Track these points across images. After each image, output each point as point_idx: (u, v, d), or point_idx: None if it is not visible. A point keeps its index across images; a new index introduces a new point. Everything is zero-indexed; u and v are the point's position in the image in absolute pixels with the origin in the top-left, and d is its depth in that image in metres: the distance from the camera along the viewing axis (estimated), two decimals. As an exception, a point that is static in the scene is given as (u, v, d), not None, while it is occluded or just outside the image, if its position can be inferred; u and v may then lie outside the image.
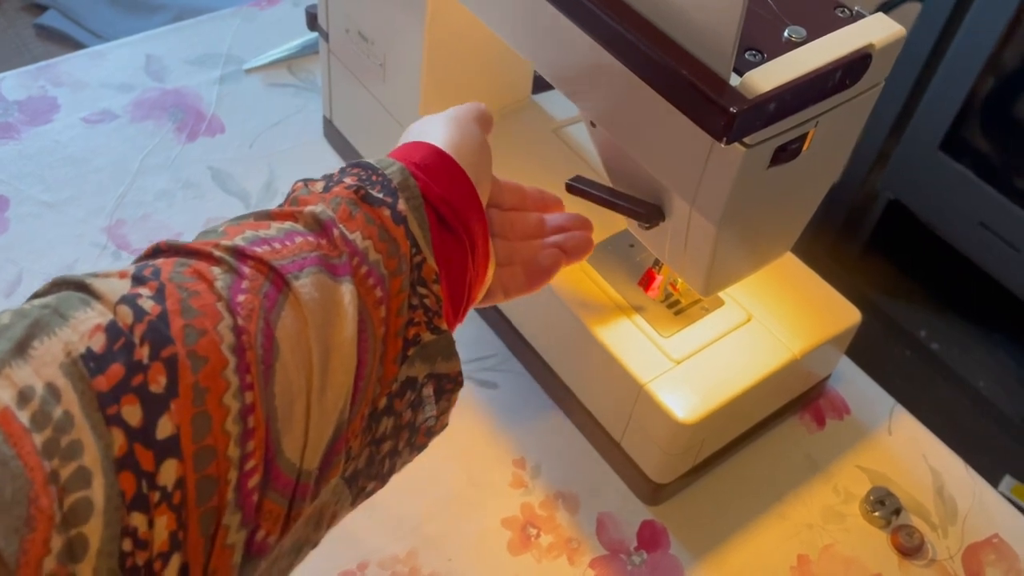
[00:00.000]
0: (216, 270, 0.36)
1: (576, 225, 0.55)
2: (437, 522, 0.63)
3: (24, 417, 0.29)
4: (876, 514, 0.65)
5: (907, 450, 0.70)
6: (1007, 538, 0.66)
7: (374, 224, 0.41)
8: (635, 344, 0.61)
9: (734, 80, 0.43)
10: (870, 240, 1.67)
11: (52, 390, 0.30)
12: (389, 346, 0.41)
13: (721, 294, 0.65)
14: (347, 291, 0.39)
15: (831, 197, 0.57)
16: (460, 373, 0.45)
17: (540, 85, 0.77)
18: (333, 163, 0.85)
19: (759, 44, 0.45)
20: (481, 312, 0.74)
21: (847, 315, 0.66)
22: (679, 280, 0.63)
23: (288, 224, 0.40)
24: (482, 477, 0.66)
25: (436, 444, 0.68)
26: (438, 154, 0.46)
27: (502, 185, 0.54)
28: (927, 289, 1.68)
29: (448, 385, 0.45)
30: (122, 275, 0.35)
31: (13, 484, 0.28)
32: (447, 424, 0.46)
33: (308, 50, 0.93)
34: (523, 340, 0.70)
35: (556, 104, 0.77)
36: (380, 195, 0.42)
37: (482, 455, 0.67)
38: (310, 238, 0.39)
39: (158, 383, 0.32)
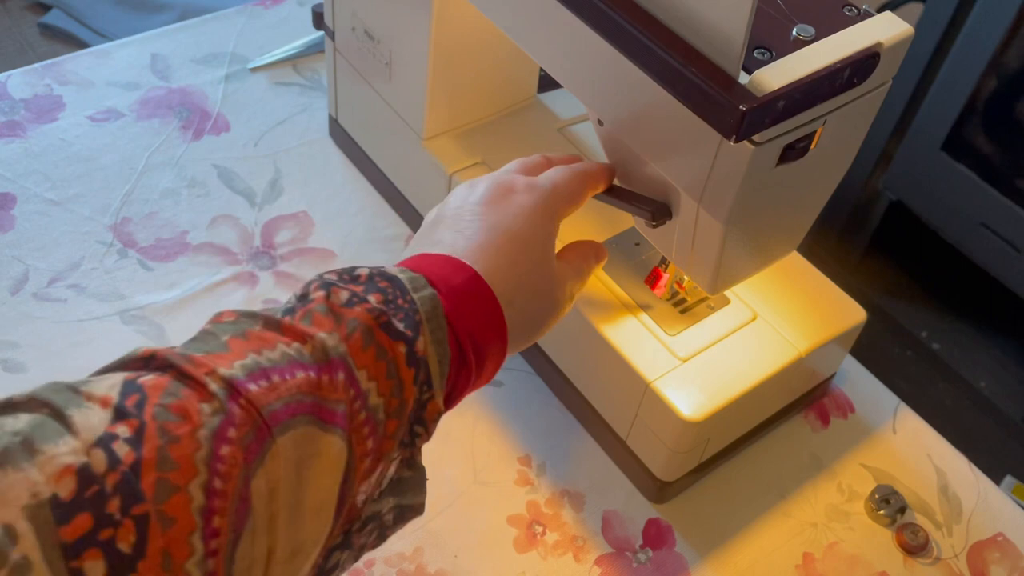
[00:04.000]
0: (205, 409, 0.34)
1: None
2: (443, 519, 0.63)
3: None
4: (881, 512, 0.66)
5: (911, 449, 0.70)
6: (1012, 537, 0.66)
7: (385, 359, 0.39)
8: (641, 342, 0.61)
9: (743, 78, 0.44)
10: (872, 241, 1.68)
11: (10, 532, 0.29)
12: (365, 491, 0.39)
13: (727, 292, 0.65)
14: (336, 446, 0.37)
15: (833, 198, 0.57)
16: (423, 504, 0.43)
17: (546, 84, 0.77)
18: (338, 162, 0.85)
19: (768, 42, 0.45)
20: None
21: (852, 314, 0.66)
22: (685, 278, 0.64)
23: (295, 348, 0.37)
24: (488, 475, 0.66)
25: (441, 442, 0.69)
26: (477, 284, 0.44)
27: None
28: (929, 290, 1.69)
29: (409, 514, 0.43)
30: (104, 403, 0.33)
31: None
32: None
33: (313, 49, 0.93)
34: (529, 338, 0.70)
35: (562, 103, 0.77)
36: (402, 326, 0.40)
37: (488, 453, 0.67)
38: (311, 373, 0.37)
39: (127, 542, 0.30)
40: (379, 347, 0.39)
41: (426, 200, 0.76)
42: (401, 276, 0.42)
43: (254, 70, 0.92)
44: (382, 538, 0.43)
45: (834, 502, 0.67)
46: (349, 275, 0.42)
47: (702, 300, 0.64)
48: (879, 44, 0.46)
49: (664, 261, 0.62)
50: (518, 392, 0.70)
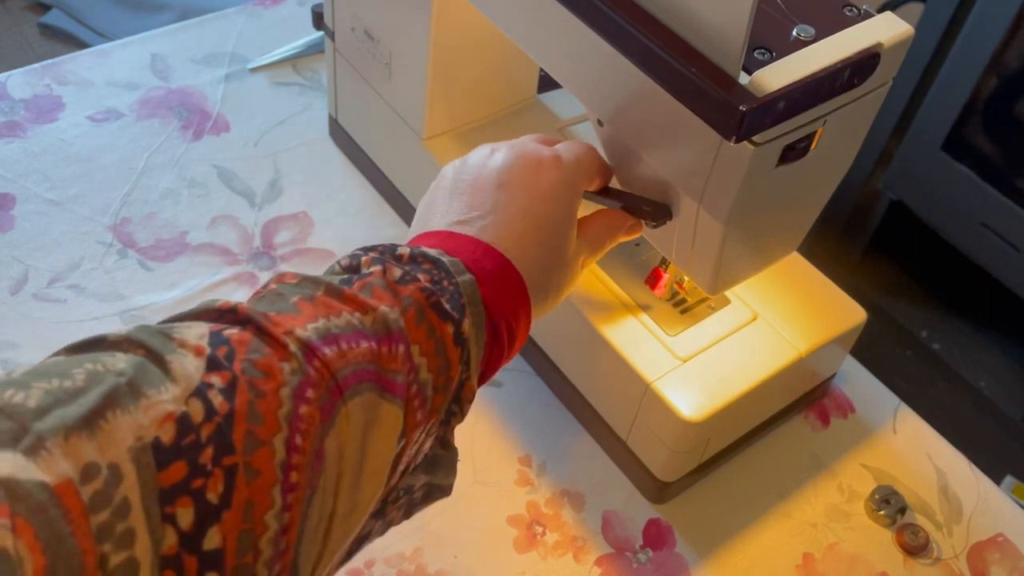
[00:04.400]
0: (286, 368, 0.35)
1: None
2: (443, 520, 0.63)
3: (85, 494, 0.28)
4: (881, 512, 0.66)
5: (912, 449, 0.70)
6: (1012, 537, 0.66)
7: (434, 337, 0.40)
8: (641, 342, 0.61)
9: (743, 79, 0.44)
10: (872, 241, 1.68)
11: (115, 472, 0.29)
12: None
13: (727, 293, 0.65)
14: (393, 414, 0.38)
15: (833, 197, 0.57)
16: (452, 486, 0.45)
17: (546, 84, 0.77)
18: (338, 162, 0.85)
19: (768, 43, 0.45)
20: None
21: (852, 314, 0.66)
22: (685, 279, 0.64)
23: (357, 317, 0.39)
24: (488, 475, 0.66)
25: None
26: (507, 271, 0.45)
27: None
28: (929, 289, 1.69)
29: (438, 494, 0.45)
30: (198, 352, 0.34)
31: (68, 564, 0.27)
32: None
33: (313, 49, 0.93)
34: (529, 338, 0.70)
35: (562, 103, 0.77)
36: (448, 307, 0.41)
37: (488, 453, 0.67)
38: (373, 344, 0.38)
39: (215, 491, 0.31)
40: (430, 325, 0.40)
41: (426, 200, 0.76)
42: (443, 259, 0.43)
43: (254, 70, 0.91)
44: (408, 515, 0.44)
45: (834, 502, 0.67)
46: (391, 253, 0.43)
47: (702, 300, 0.64)
48: (879, 44, 0.46)
49: (664, 261, 0.62)
50: (518, 392, 0.70)
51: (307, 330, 0.37)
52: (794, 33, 0.46)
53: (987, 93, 1.41)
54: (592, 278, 0.65)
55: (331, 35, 0.78)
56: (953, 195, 1.48)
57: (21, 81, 0.87)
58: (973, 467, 0.70)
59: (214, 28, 0.95)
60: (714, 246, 0.53)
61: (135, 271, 0.74)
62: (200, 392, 0.33)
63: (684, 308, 0.64)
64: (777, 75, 0.43)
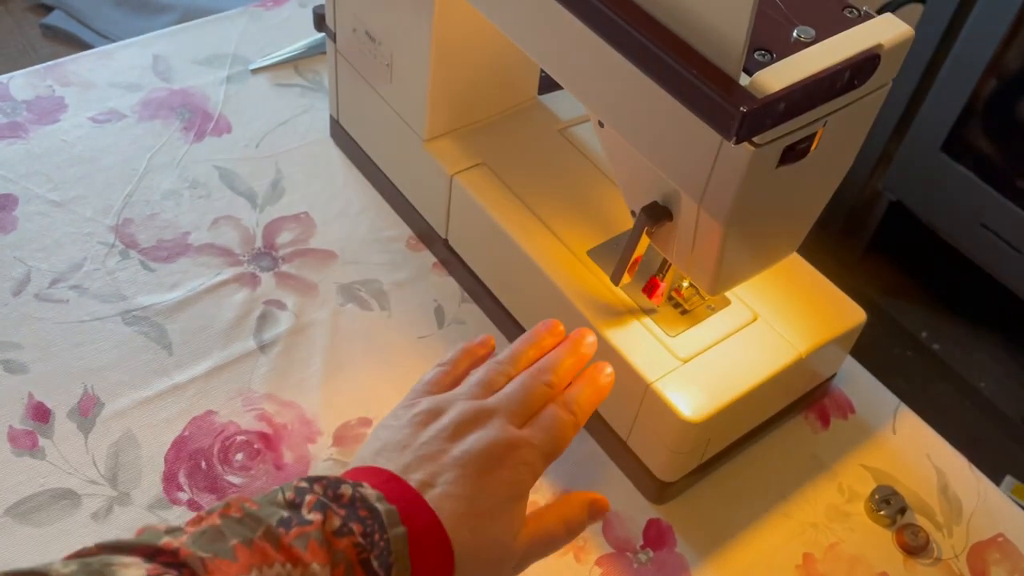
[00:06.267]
0: None
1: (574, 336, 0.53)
2: (444, 520, 0.63)
3: None
4: (881, 513, 0.66)
5: (912, 449, 0.70)
6: (1012, 537, 0.66)
7: None
8: (642, 343, 0.61)
9: (744, 80, 0.44)
10: (872, 241, 1.68)
11: None
12: None
13: (727, 293, 0.65)
14: None
15: (834, 198, 0.57)
16: None
17: (546, 85, 0.77)
18: (339, 163, 0.85)
19: (768, 44, 0.45)
20: (486, 310, 0.74)
21: (852, 315, 0.66)
22: (683, 286, 0.64)
23: (288, 569, 0.40)
24: (489, 475, 0.66)
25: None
26: (438, 535, 0.45)
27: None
28: (928, 290, 1.69)
29: None
30: None
31: None
32: None
33: (315, 50, 0.93)
34: (529, 339, 0.70)
35: (563, 104, 0.77)
36: (376, 564, 0.42)
37: (489, 453, 0.67)
38: None
39: None
40: None
41: (427, 201, 0.76)
42: (379, 507, 0.44)
43: (255, 71, 0.92)
44: None
45: (834, 503, 0.67)
46: (334, 491, 0.44)
47: (701, 303, 0.64)
48: (879, 46, 0.46)
49: (661, 270, 0.62)
50: (519, 393, 0.70)
51: None
52: (794, 34, 0.46)
53: (987, 94, 1.41)
54: (591, 278, 0.65)
55: (332, 36, 0.79)
56: (953, 195, 1.48)
57: (23, 82, 0.88)
58: (973, 467, 0.70)
59: (216, 29, 0.95)
60: (714, 247, 0.53)
61: (137, 272, 0.74)
62: None
63: (684, 309, 0.64)
64: (777, 76, 0.44)
